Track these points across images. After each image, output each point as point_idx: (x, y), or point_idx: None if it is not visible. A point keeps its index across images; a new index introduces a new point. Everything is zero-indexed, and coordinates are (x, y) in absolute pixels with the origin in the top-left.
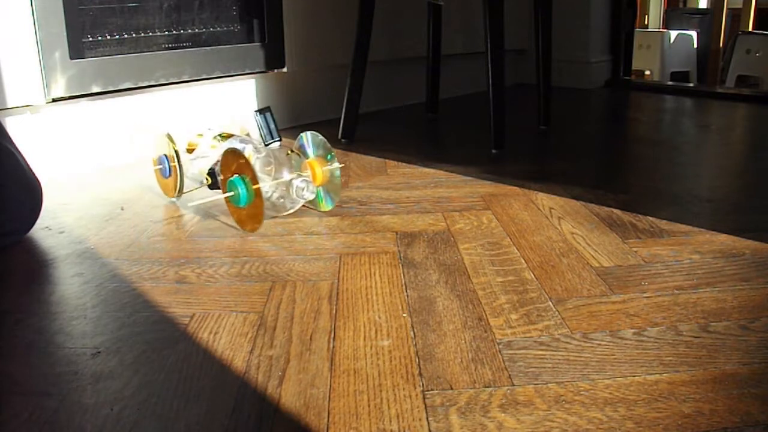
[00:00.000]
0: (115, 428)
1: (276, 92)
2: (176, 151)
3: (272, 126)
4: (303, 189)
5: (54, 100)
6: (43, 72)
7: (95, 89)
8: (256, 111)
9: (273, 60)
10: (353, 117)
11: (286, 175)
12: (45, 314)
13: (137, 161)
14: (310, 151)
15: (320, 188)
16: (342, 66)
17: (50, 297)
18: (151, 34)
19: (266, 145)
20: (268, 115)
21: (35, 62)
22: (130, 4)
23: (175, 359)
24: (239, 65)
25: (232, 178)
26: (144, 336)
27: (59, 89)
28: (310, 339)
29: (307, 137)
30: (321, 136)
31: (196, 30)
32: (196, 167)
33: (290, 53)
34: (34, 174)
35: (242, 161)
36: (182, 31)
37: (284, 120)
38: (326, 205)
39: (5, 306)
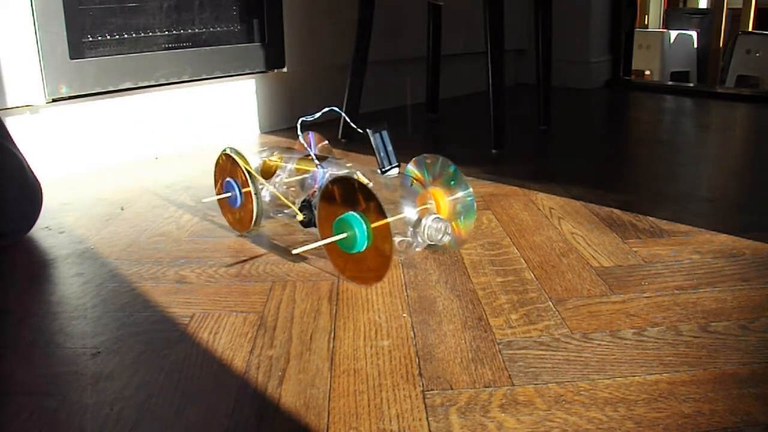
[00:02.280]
0: (115, 428)
1: (276, 92)
2: (251, 174)
3: (389, 148)
4: (439, 231)
5: (54, 100)
6: (43, 72)
7: (95, 89)
8: (370, 129)
9: (273, 60)
10: (353, 117)
11: (411, 212)
12: (45, 314)
13: (137, 161)
14: (423, 175)
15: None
16: (342, 66)
17: (50, 297)
18: (151, 34)
19: (383, 173)
20: (385, 134)
21: (35, 62)
22: (130, 4)
23: (175, 359)
24: (239, 65)
25: (343, 216)
26: (144, 336)
27: (59, 89)
28: (310, 339)
29: (420, 161)
30: (439, 157)
31: (196, 30)
32: (267, 194)
33: (290, 53)
34: (34, 174)
35: (359, 192)
36: (182, 31)
37: (284, 120)
38: (454, 243)
39: (5, 306)
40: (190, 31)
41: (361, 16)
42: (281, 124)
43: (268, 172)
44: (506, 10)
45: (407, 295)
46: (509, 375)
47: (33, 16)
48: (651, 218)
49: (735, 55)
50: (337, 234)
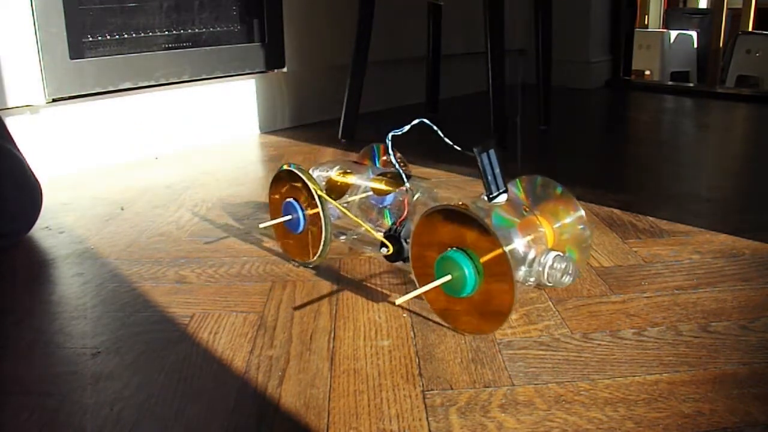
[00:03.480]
0: (115, 428)
1: (276, 92)
2: (320, 197)
3: (497, 170)
4: (561, 271)
5: (54, 100)
6: (43, 72)
7: (95, 89)
8: (477, 148)
9: (273, 60)
10: (353, 117)
11: (520, 244)
12: (45, 314)
13: (137, 161)
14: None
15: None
16: (342, 66)
17: (50, 297)
18: (151, 34)
19: (490, 199)
20: (492, 153)
21: (35, 62)
22: (130, 4)
23: (175, 359)
24: (239, 65)
25: (447, 253)
26: (144, 336)
27: (59, 89)
28: (310, 339)
29: (522, 184)
30: (537, 176)
31: (196, 30)
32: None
33: (290, 53)
34: (34, 175)
35: (465, 222)
36: (182, 31)
37: (284, 120)
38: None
39: (5, 306)
40: (190, 31)
41: (361, 16)
42: (281, 124)
43: (336, 192)
44: (506, 10)
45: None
46: (509, 375)
47: (33, 16)
48: (651, 218)
49: (735, 55)
50: (440, 275)
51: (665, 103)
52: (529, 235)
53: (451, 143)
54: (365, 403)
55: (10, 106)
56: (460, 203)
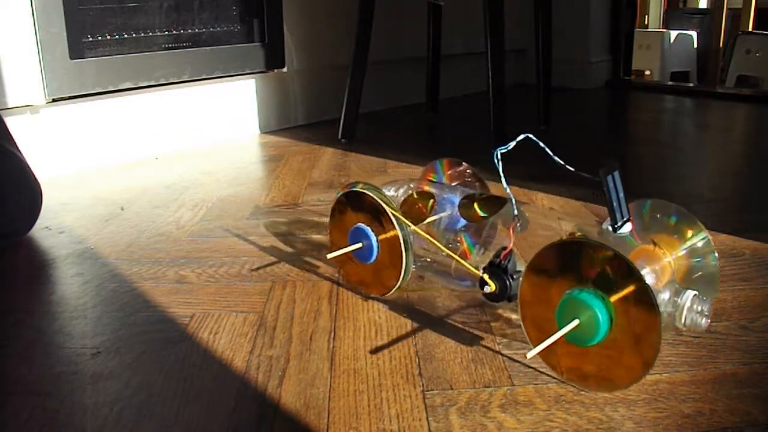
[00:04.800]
0: (115, 428)
1: (276, 92)
2: (398, 219)
3: (621, 194)
4: (701, 314)
5: (54, 100)
6: (43, 72)
7: (95, 89)
8: (603, 171)
9: (273, 60)
10: (353, 117)
11: (650, 280)
12: (45, 314)
13: (137, 161)
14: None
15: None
16: (342, 66)
17: (50, 297)
18: (151, 34)
19: (615, 230)
20: (617, 176)
21: (35, 62)
22: (130, 4)
23: (175, 359)
24: (239, 65)
25: (574, 292)
26: (144, 336)
27: (59, 89)
28: (310, 339)
29: (641, 206)
30: (647, 200)
31: (196, 30)
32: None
33: (290, 53)
34: (34, 175)
35: (591, 258)
36: (182, 31)
37: (284, 120)
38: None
39: (5, 306)
40: (190, 31)
41: (361, 16)
42: (281, 124)
43: (413, 214)
44: (506, 10)
45: (407, 295)
46: (509, 375)
47: (33, 16)
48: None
49: (735, 55)
50: (564, 320)
51: (665, 103)
52: (654, 268)
53: (561, 163)
54: (365, 403)
55: (10, 106)
56: (577, 233)
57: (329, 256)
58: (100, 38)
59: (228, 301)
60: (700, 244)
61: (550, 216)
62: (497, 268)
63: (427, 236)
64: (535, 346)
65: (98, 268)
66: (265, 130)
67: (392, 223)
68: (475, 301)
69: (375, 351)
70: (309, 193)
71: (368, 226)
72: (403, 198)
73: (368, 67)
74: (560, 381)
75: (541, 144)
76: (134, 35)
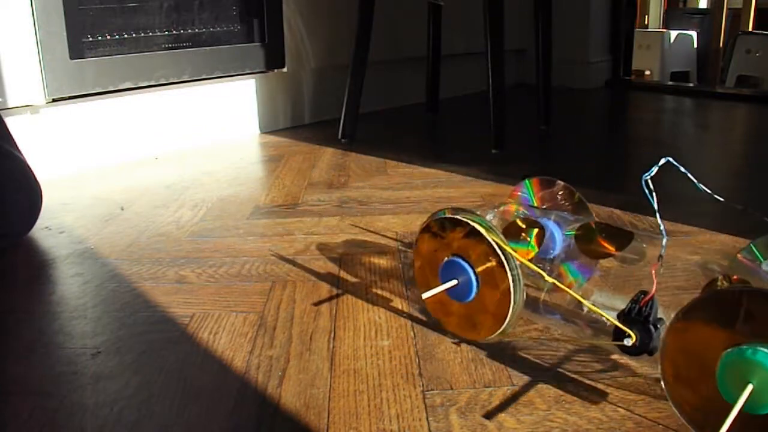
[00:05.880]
0: (115, 428)
1: (276, 92)
2: (505, 253)
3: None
4: None
5: (54, 100)
6: (43, 72)
7: (95, 89)
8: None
9: (273, 60)
10: (353, 117)
11: None
12: (45, 314)
13: (137, 161)
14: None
15: None
16: (342, 66)
17: (50, 297)
18: (151, 34)
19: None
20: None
21: (35, 62)
22: (130, 4)
23: (175, 359)
24: (239, 65)
25: (745, 351)
26: (144, 336)
27: (59, 89)
28: (310, 339)
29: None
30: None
31: (196, 30)
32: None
33: (290, 53)
34: (34, 176)
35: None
36: (182, 31)
37: (284, 120)
38: None
39: (5, 306)
40: (190, 31)
41: (361, 16)
42: (281, 124)
43: (517, 240)
44: (506, 10)
45: (407, 296)
46: (509, 375)
47: (33, 16)
48: (651, 218)
49: (735, 55)
50: (728, 383)
51: (665, 103)
52: None
53: (708, 191)
54: (365, 403)
55: (10, 106)
56: (732, 276)
57: (425, 295)
58: (100, 38)
59: (228, 301)
60: None
61: (680, 249)
62: (638, 316)
63: (544, 273)
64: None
65: (98, 268)
66: (265, 130)
67: (498, 255)
68: None
69: (375, 351)
70: (309, 193)
71: (465, 258)
72: (497, 223)
73: (368, 67)
74: (560, 381)
75: (682, 169)
76: (134, 35)
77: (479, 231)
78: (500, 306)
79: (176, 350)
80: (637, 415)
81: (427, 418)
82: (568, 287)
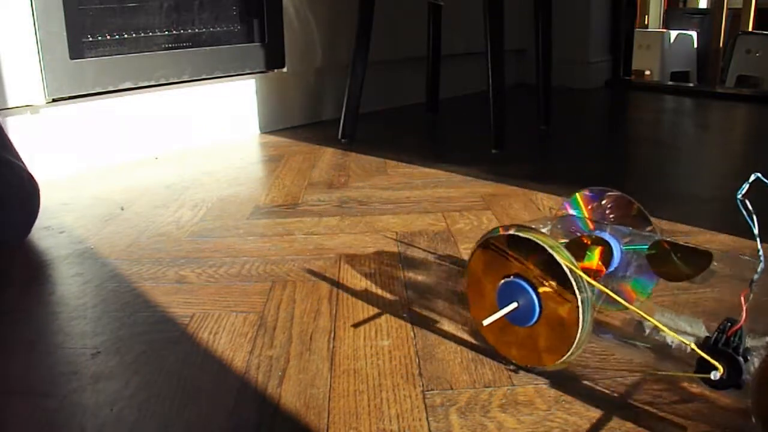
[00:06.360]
0: (115, 428)
1: (276, 92)
2: (580, 280)
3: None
4: None
5: (54, 100)
6: (43, 72)
7: (95, 89)
8: (739, 195)
9: (273, 60)
10: (353, 117)
11: None
12: (45, 314)
13: (137, 161)
14: None
15: None
16: (342, 66)
17: (50, 297)
18: (151, 34)
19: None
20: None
21: (35, 62)
22: (130, 4)
23: (175, 359)
24: (239, 65)
25: None
26: (144, 336)
27: (59, 89)
28: (310, 339)
29: None
30: None
31: (196, 30)
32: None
33: (290, 53)
34: (33, 180)
35: None
36: (182, 31)
37: (284, 120)
38: None
39: (5, 306)
40: (190, 31)
41: (361, 16)
42: (281, 124)
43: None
44: (506, 10)
45: (407, 295)
46: (509, 375)
47: (33, 16)
48: (651, 218)
49: (735, 55)
50: None
51: (665, 103)
52: None
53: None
54: (365, 403)
55: (10, 106)
56: None
57: (485, 322)
58: (100, 38)
59: (228, 301)
60: None
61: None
62: (725, 347)
63: (617, 297)
64: None
65: (98, 268)
66: (265, 130)
67: (567, 276)
68: None
69: (375, 351)
70: (309, 193)
71: (526, 279)
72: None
73: (368, 67)
74: (560, 381)
75: None
76: (134, 35)
77: (544, 248)
78: (566, 330)
79: (176, 350)
80: (637, 415)
81: (427, 418)
82: (631, 305)
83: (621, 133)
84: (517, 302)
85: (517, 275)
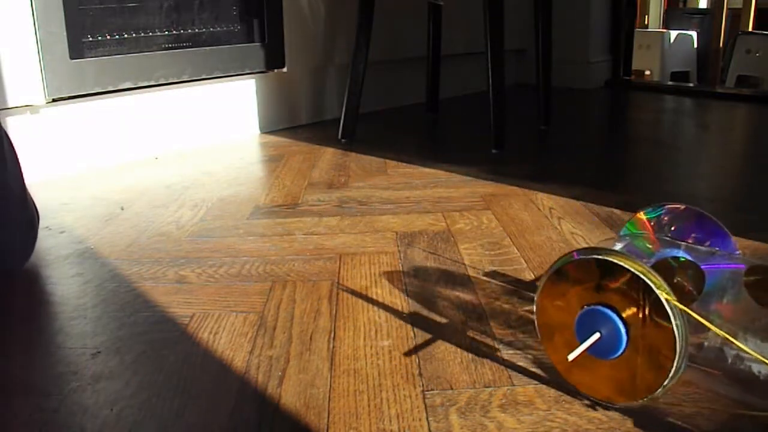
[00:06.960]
0: (115, 428)
1: (276, 92)
2: (675, 309)
3: None
4: None
5: (54, 100)
6: (43, 72)
7: (95, 89)
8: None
9: (273, 60)
10: (353, 117)
11: None
12: (45, 314)
13: (137, 161)
14: None
15: None
16: (342, 66)
17: (50, 297)
18: (151, 34)
19: None
20: None
21: (35, 62)
22: (130, 4)
23: (175, 359)
24: (239, 65)
25: None
26: (144, 336)
27: (59, 89)
28: (310, 339)
29: None
30: None
31: (196, 30)
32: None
33: (290, 53)
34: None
35: None
36: (182, 31)
37: (284, 120)
38: None
39: (5, 306)
40: (190, 31)
41: (361, 16)
42: (281, 124)
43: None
44: (506, 10)
45: (407, 295)
46: (509, 375)
47: (33, 16)
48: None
49: (735, 55)
50: None
51: (665, 103)
52: None
53: None
54: (365, 403)
55: (10, 106)
56: None
57: (570, 356)
58: (100, 38)
59: (228, 301)
60: None
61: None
62: None
63: (714, 328)
64: None
65: (98, 268)
66: (265, 130)
67: (662, 305)
68: (474, 301)
69: (375, 351)
70: (309, 193)
71: (612, 308)
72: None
73: (368, 67)
74: (560, 381)
75: None
76: (134, 35)
77: (636, 274)
78: (656, 366)
79: (176, 350)
80: (637, 415)
81: (427, 418)
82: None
83: (621, 133)
84: (600, 332)
85: (600, 303)
